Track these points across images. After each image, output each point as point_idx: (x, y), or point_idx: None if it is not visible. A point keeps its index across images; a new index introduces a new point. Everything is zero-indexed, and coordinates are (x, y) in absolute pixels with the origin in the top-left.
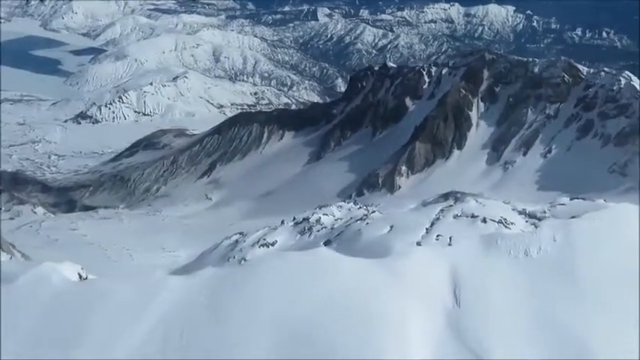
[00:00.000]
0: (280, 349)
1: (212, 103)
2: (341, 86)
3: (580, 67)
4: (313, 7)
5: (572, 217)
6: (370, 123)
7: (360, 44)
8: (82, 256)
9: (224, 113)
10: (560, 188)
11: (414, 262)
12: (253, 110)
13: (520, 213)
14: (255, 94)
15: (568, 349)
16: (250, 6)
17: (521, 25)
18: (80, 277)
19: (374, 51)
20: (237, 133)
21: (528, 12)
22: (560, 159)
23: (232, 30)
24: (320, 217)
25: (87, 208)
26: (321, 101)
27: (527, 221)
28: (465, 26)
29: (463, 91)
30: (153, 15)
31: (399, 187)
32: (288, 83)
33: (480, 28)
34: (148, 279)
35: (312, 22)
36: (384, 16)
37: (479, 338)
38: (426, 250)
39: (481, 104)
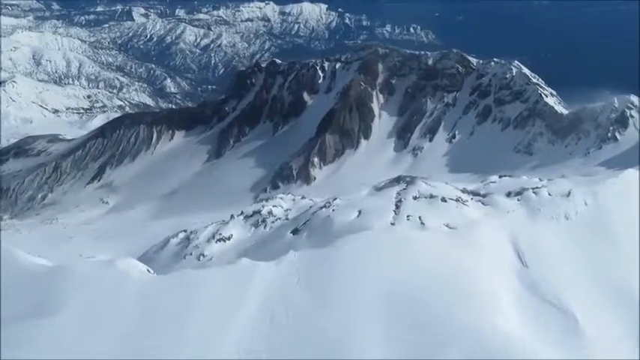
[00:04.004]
0: (395, 317)
1: (46, 108)
2: (171, 87)
3: (470, 58)
4: (127, 7)
5: (508, 192)
6: (268, 118)
7: (183, 44)
8: None
9: (59, 117)
10: (470, 169)
11: (479, 232)
12: (90, 114)
13: (463, 192)
14: (89, 97)
15: (623, 293)
16: (55, 6)
17: (334, 22)
18: (148, 271)
19: (197, 50)
20: (124, 135)
21: (340, 10)
22: (465, 143)
23: (47, 31)
24: (271, 209)
25: None
26: (153, 103)
27: (472, 198)
28: (282, 24)
29: (363, 84)
30: None
31: (314, 178)
32: (117, 85)
33: (297, 26)
34: (237, 267)
35: (129, 23)
36: (201, 16)
37: (553, 292)
38: (485, 221)
39: (380, 96)
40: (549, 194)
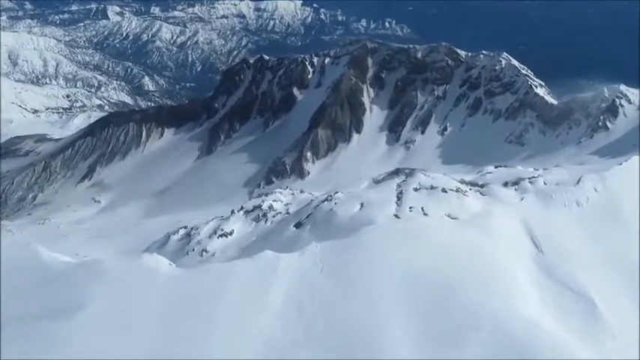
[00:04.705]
0: (419, 304)
1: (25, 109)
2: (149, 85)
3: (459, 51)
4: (102, 6)
5: (505, 182)
6: (258, 114)
7: (159, 42)
8: None
9: (39, 117)
10: (463, 161)
11: (494, 220)
12: (70, 114)
13: (461, 182)
14: (68, 96)
15: (637, 275)
16: (28, 5)
17: (310, 17)
18: (170, 265)
19: (174, 48)
20: (113, 133)
21: (315, 5)
22: (457, 135)
23: (22, 31)
24: (272, 204)
25: None
26: (132, 101)
27: (470, 189)
28: (257, 21)
29: (353, 78)
30: None
31: (308, 172)
32: (96, 84)
33: (272, 22)
34: (261, 259)
35: (104, 21)
36: (176, 13)
37: (570, 276)
38: (500, 209)
39: (370, 90)
40: (545, 183)
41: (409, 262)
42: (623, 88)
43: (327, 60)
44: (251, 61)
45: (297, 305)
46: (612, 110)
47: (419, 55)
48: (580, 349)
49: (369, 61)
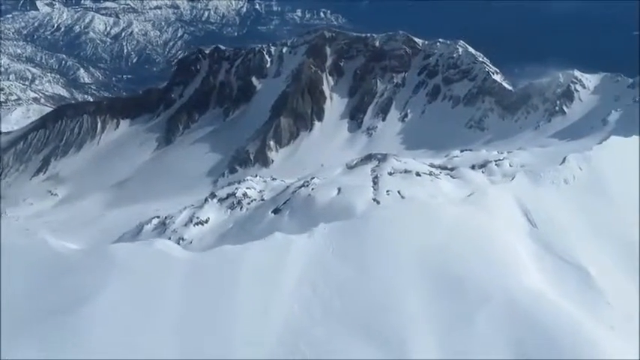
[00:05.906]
0: (431, 282)
1: None
2: (84, 77)
3: (416, 39)
4: None
5: (473, 165)
6: (217, 104)
7: (92, 33)
8: None
9: None
10: (425, 146)
11: (489, 198)
12: (6, 107)
13: (431, 166)
14: (2, 90)
15: (625, 246)
16: None
17: (244, 8)
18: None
19: (108, 39)
20: (66, 125)
21: None
22: (418, 121)
23: None
24: (246, 191)
25: None
26: (68, 94)
27: (440, 172)
28: (191, 11)
29: (313, 67)
30: None
31: (272, 160)
32: (29, 77)
33: (207, 13)
34: (272, 241)
35: (33, 12)
36: (108, 4)
37: (565, 249)
38: (494, 187)
39: (330, 78)
40: (511, 165)
41: (417, 241)
42: (577, 73)
43: (284, 49)
44: (207, 51)
45: (312, 285)
46: (568, 95)
47: (377, 44)
48: (581, 317)
49: (327, 49)
